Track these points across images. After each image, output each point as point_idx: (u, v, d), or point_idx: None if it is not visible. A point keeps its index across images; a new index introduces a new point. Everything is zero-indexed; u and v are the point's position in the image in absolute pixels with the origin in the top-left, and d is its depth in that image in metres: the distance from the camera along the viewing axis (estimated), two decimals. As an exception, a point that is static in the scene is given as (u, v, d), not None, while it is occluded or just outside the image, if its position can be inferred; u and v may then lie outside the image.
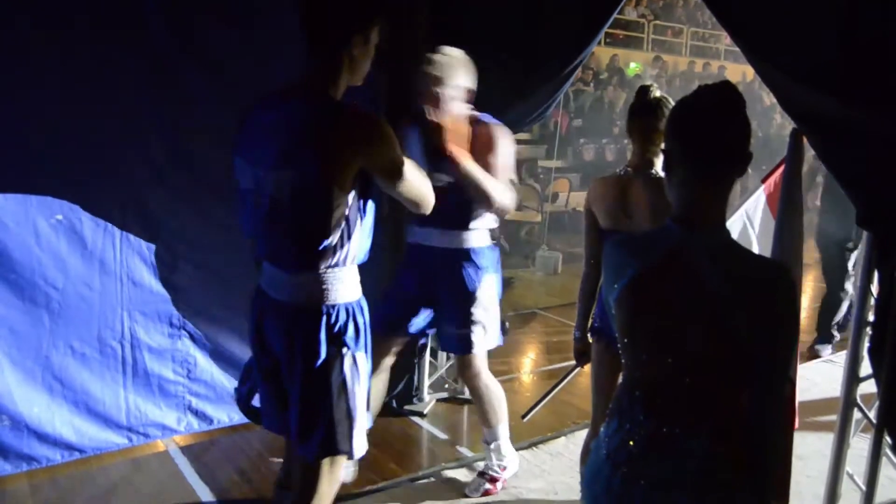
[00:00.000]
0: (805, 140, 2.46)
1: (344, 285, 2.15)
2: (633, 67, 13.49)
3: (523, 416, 3.46)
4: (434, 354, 4.51)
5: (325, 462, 2.19)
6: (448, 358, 4.56)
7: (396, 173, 2.10)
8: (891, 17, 2.08)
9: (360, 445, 2.22)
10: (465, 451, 3.84)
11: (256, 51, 3.51)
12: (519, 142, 9.91)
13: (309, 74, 2.10)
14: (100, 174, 3.39)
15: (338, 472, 2.26)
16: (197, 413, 3.75)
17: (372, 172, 2.09)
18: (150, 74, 3.41)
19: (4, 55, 3.10)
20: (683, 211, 1.58)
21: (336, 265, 2.12)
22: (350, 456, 2.21)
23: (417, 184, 2.18)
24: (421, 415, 4.21)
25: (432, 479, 3.52)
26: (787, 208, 2.43)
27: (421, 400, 4.35)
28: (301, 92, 2.09)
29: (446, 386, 4.56)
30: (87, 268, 3.41)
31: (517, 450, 3.54)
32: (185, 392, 3.70)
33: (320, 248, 2.07)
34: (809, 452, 2.70)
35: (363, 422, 2.22)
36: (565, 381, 3.35)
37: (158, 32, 3.40)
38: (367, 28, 2.09)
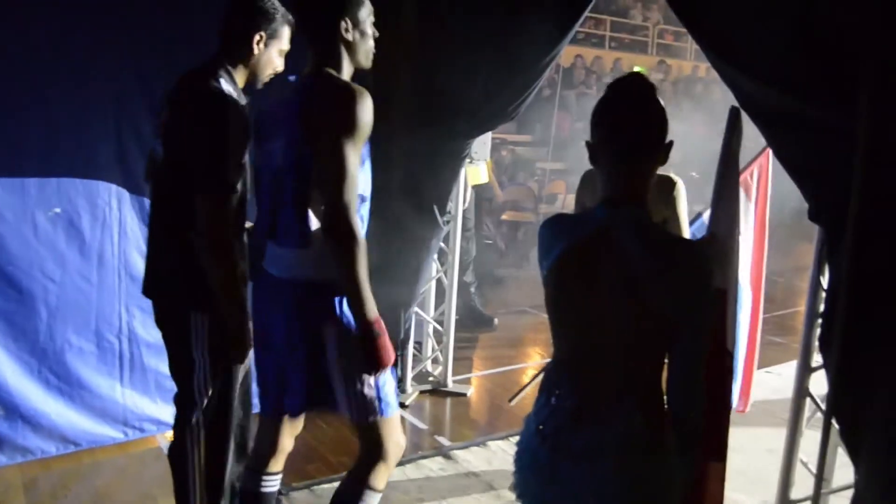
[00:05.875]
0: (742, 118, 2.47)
1: None
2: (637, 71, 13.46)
3: (510, 400, 3.69)
4: (418, 347, 4.55)
5: (380, 422, 2.22)
6: (432, 350, 4.65)
7: (337, 141, 2.00)
8: (843, 12, 2.11)
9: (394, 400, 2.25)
10: (443, 440, 3.93)
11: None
12: (518, 143, 10.02)
13: (311, 60, 2.18)
14: (97, 166, 3.42)
15: (395, 421, 2.28)
16: (192, 409, 3.76)
17: (321, 135, 2.04)
18: (143, 60, 3.40)
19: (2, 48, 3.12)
20: (607, 194, 1.64)
21: None
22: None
23: (352, 174, 2.04)
24: (403, 406, 4.25)
25: (407, 465, 3.59)
26: (723, 184, 2.41)
27: (404, 391, 4.41)
28: (303, 76, 2.18)
29: (430, 378, 4.62)
30: (86, 262, 3.43)
31: (501, 439, 3.85)
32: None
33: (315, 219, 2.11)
34: (780, 446, 2.78)
35: (391, 376, 2.25)
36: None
37: (153, 16, 3.41)
38: (352, 11, 2.15)
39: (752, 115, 2.41)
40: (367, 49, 2.23)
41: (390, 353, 2.12)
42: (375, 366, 2.11)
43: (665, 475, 1.60)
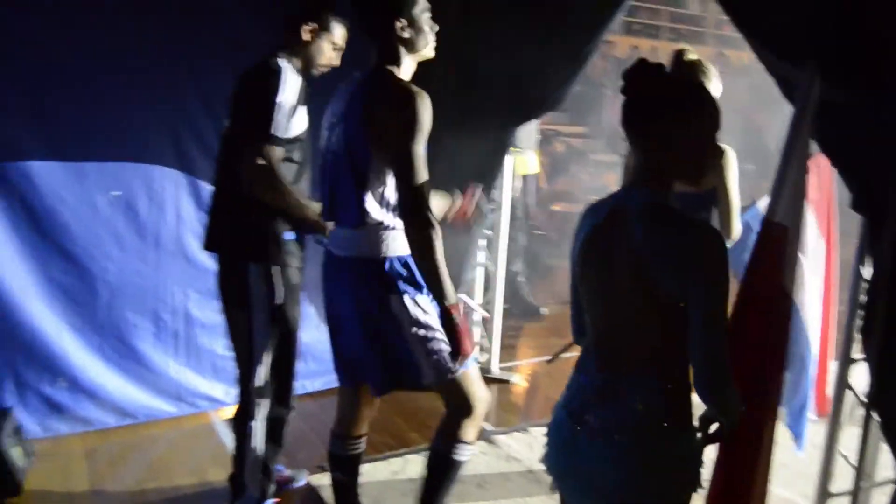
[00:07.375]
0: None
1: (396, 241, 2.30)
2: (695, 62, 13.22)
3: (548, 361, 3.61)
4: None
5: (459, 377, 2.36)
6: (480, 337, 4.69)
7: (405, 142, 2.17)
8: (890, 2, 2.09)
9: (470, 347, 2.34)
10: (487, 425, 3.91)
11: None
12: (572, 135, 9.97)
13: (373, 57, 2.32)
14: (155, 152, 3.56)
15: (475, 374, 2.44)
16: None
17: (387, 135, 2.20)
18: (194, 52, 3.51)
19: (64, 34, 3.26)
20: (630, 176, 1.69)
21: (391, 221, 2.29)
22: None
23: (421, 169, 2.20)
24: None
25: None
26: (791, 154, 2.26)
27: None
28: (368, 70, 2.32)
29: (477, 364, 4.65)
30: (143, 243, 3.57)
31: (542, 426, 3.69)
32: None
33: (373, 201, 2.26)
34: (821, 440, 2.75)
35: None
36: None
37: (199, 14, 3.52)
38: (407, 11, 2.27)
39: (793, 103, 2.40)
40: (426, 42, 2.34)
41: (468, 342, 2.27)
42: (456, 353, 2.26)
43: (680, 454, 1.63)
